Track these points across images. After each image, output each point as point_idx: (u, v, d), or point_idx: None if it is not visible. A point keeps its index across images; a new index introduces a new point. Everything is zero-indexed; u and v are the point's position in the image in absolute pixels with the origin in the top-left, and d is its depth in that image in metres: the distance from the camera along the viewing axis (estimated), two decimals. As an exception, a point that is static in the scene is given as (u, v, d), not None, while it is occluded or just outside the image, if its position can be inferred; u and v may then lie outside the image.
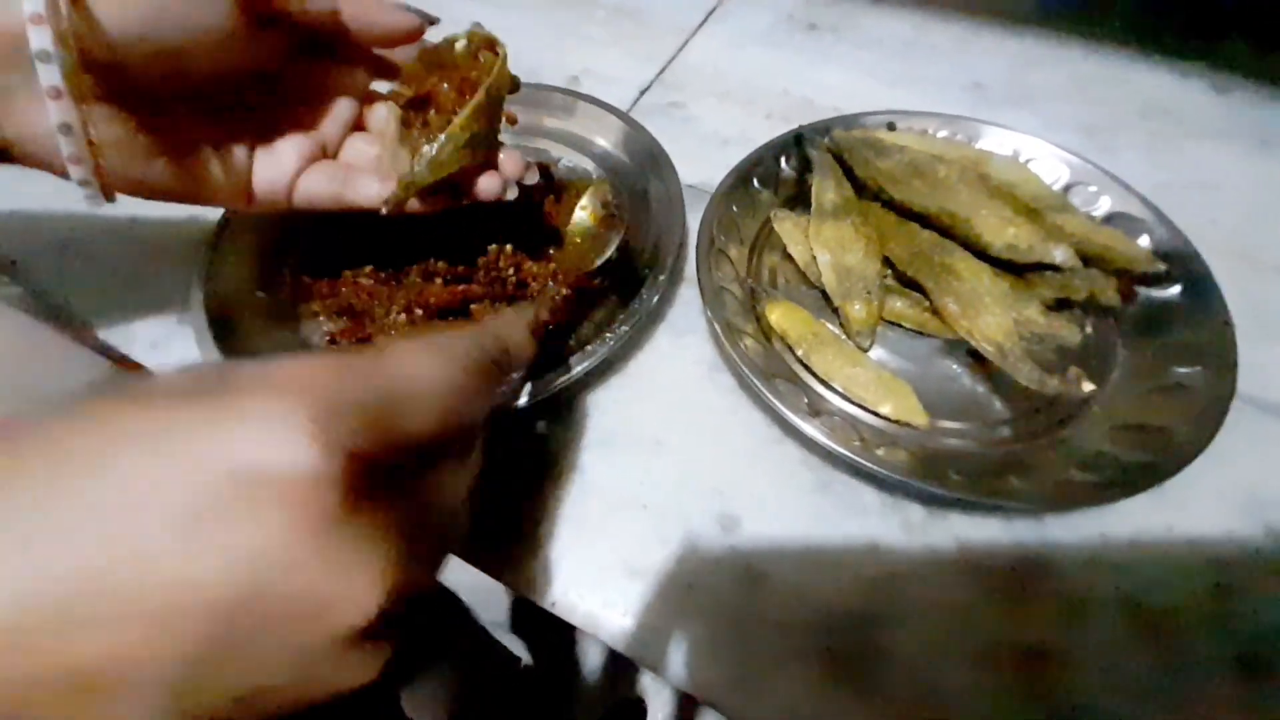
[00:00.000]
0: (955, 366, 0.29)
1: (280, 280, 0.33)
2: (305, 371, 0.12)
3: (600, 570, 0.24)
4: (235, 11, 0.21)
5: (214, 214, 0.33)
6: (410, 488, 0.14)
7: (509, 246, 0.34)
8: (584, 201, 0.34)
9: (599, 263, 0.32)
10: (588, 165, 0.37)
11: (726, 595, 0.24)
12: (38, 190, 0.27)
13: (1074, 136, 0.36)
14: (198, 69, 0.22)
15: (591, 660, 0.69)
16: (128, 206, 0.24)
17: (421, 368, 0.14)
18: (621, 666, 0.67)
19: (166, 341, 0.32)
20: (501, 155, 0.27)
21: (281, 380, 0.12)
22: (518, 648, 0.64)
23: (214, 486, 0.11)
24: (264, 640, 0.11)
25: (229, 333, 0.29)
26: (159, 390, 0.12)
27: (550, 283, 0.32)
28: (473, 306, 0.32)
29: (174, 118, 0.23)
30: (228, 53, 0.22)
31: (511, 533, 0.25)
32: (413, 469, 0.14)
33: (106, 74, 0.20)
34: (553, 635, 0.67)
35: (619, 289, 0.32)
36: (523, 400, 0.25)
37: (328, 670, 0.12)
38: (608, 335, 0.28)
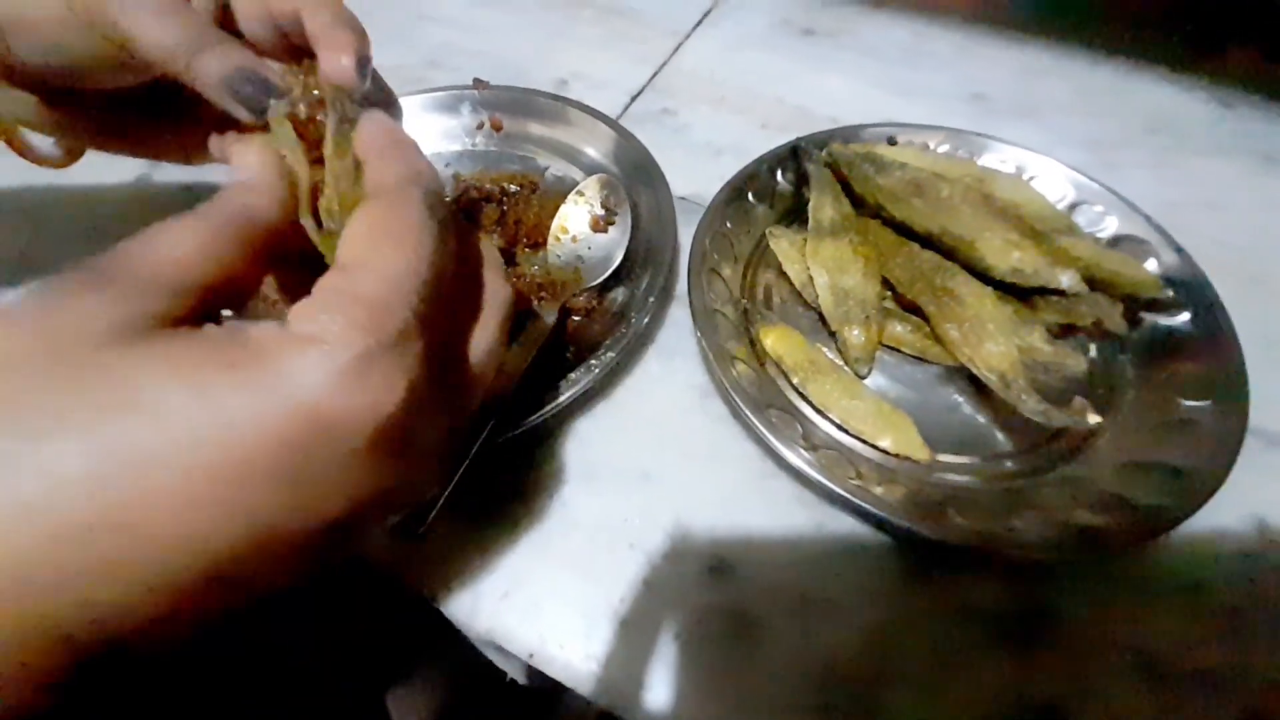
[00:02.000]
0: (956, 396, 0.28)
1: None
2: (316, 316, 0.13)
3: (583, 618, 0.23)
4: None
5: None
6: (440, 353, 0.15)
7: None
8: (586, 196, 0.32)
9: (602, 279, 0.30)
10: (576, 175, 0.36)
11: (717, 646, 0.22)
12: (60, 176, 0.27)
13: (1078, 151, 0.35)
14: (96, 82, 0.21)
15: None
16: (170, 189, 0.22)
17: (386, 256, 0.14)
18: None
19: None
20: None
21: (302, 334, 0.13)
22: (502, 662, 0.63)
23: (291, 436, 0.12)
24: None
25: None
26: (195, 345, 0.13)
27: (537, 301, 0.31)
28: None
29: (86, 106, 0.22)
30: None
31: (489, 575, 0.24)
32: (436, 345, 0.15)
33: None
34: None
35: (607, 308, 0.30)
36: (503, 433, 0.24)
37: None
38: (593, 360, 0.26)
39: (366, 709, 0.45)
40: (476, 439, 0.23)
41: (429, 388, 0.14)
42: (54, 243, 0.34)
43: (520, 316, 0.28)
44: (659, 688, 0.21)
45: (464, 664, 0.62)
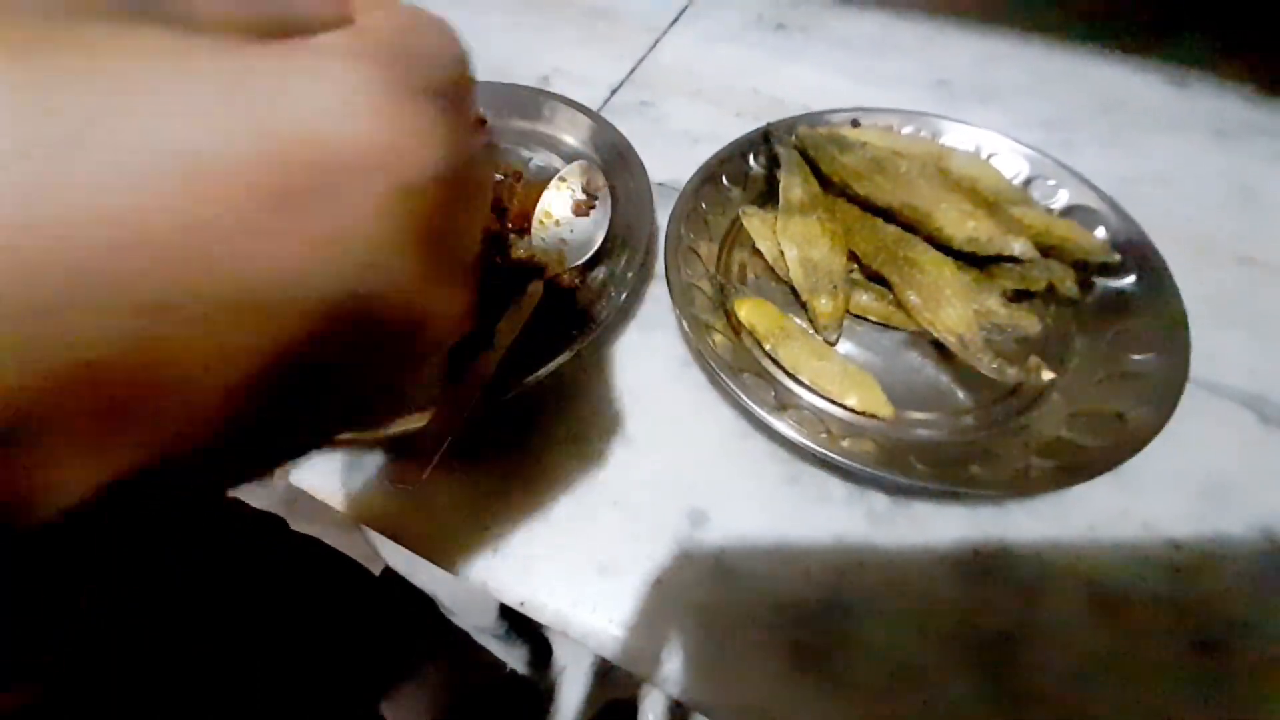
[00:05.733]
0: (920, 358, 0.30)
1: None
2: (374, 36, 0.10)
3: (570, 568, 0.24)
4: None
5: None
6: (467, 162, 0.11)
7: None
8: (568, 182, 0.34)
9: (584, 259, 0.32)
10: (558, 164, 0.37)
11: (696, 590, 0.24)
12: None
13: (1035, 131, 0.37)
14: None
15: (581, 662, 0.68)
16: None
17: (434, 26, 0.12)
18: (612, 668, 0.67)
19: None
20: None
21: (353, 47, 0.09)
22: (502, 653, 0.64)
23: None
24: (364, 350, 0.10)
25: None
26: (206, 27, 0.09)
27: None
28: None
29: None
30: None
31: (481, 533, 0.25)
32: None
33: None
34: (538, 639, 0.67)
35: (589, 285, 0.32)
36: (495, 397, 0.25)
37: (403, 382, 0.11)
38: (576, 332, 0.28)
39: (363, 712, 0.45)
40: (470, 402, 0.24)
41: (458, 168, 0.11)
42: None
43: (509, 293, 0.29)
44: (642, 629, 0.23)
45: (458, 660, 0.63)
